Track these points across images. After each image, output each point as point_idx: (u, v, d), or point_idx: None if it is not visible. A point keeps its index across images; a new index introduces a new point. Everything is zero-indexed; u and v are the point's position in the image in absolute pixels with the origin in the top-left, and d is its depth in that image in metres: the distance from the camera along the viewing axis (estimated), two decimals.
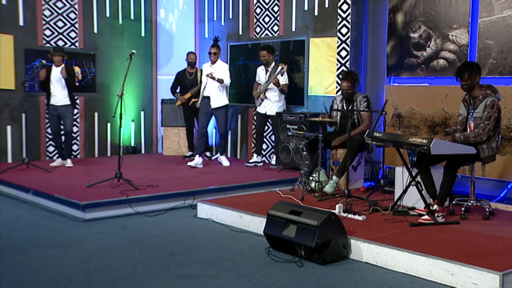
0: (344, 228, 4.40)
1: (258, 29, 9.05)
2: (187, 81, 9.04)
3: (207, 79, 8.08)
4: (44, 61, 7.75)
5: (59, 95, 7.84)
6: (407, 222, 4.96)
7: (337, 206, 5.28)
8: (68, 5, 8.95)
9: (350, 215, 5.16)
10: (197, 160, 8.06)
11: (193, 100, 8.87)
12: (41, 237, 4.94)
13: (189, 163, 8.07)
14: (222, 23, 9.66)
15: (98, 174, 7.26)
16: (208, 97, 8.13)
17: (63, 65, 7.79)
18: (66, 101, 7.88)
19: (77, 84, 8.20)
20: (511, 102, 6.07)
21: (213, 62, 8.14)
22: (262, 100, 8.15)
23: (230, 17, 9.52)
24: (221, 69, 8.12)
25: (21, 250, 4.53)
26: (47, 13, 8.75)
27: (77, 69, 8.39)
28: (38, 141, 8.75)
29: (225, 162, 8.41)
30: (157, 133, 10.16)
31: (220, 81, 8.01)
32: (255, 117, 8.54)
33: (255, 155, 8.46)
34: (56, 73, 7.78)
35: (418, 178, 5.19)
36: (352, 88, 6.37)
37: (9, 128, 8.48)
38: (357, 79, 6.41)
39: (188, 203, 6.22)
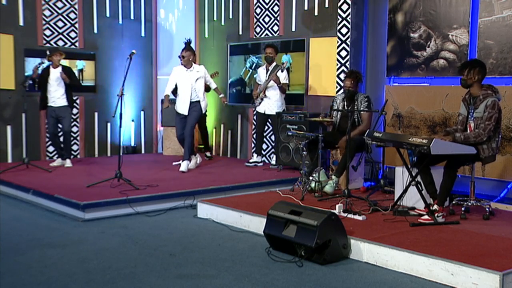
0: (344, 228, 4.40)
1: (258, 29, 9.05)
2: None
3: (182, 85, 7.64)
4: (44, 62, 7.75)
5: (57, 96, 7.80)
6: (407, 222, 4.96)
7: (337, 206, 5.29)
8: (68, 5, 8.94)
9: (350, 215, 5.16)
10: (187, 164, 7.63)
11: None
12: (41, 237, 4.94)
13: (181, 169, 7.59)
14: (222, 23, 9.66)
15: (98, 174, 7.26)
16: (193, 102, 7.64)
17: (60, 68, 7.75)
18: (63, 102, 7.83)
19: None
20: (511, 102, 6.07)
21: (186, 67, 7.63)
22: (262, 99, 8.14)
23: (230, 17, 9.51)
24: (205, 74, 7.79)
25: (21, 250, 4.52)
26: (47, 13, 8.75)
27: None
28: (38, 141, 8.75)
29: (183, 166, 7.59)
30: (157, 133, 10.16)
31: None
32: (255, 117, 8.53)
33: (255, 155, 8.46)
34: (55, 74, 7.76)
35: (418, 178, 5.19)
36: (355, 87, 6.43)
37: (9, 128, 8.48)
38: (360, 78, 6.50)
39: (188, 203, 6.22)
